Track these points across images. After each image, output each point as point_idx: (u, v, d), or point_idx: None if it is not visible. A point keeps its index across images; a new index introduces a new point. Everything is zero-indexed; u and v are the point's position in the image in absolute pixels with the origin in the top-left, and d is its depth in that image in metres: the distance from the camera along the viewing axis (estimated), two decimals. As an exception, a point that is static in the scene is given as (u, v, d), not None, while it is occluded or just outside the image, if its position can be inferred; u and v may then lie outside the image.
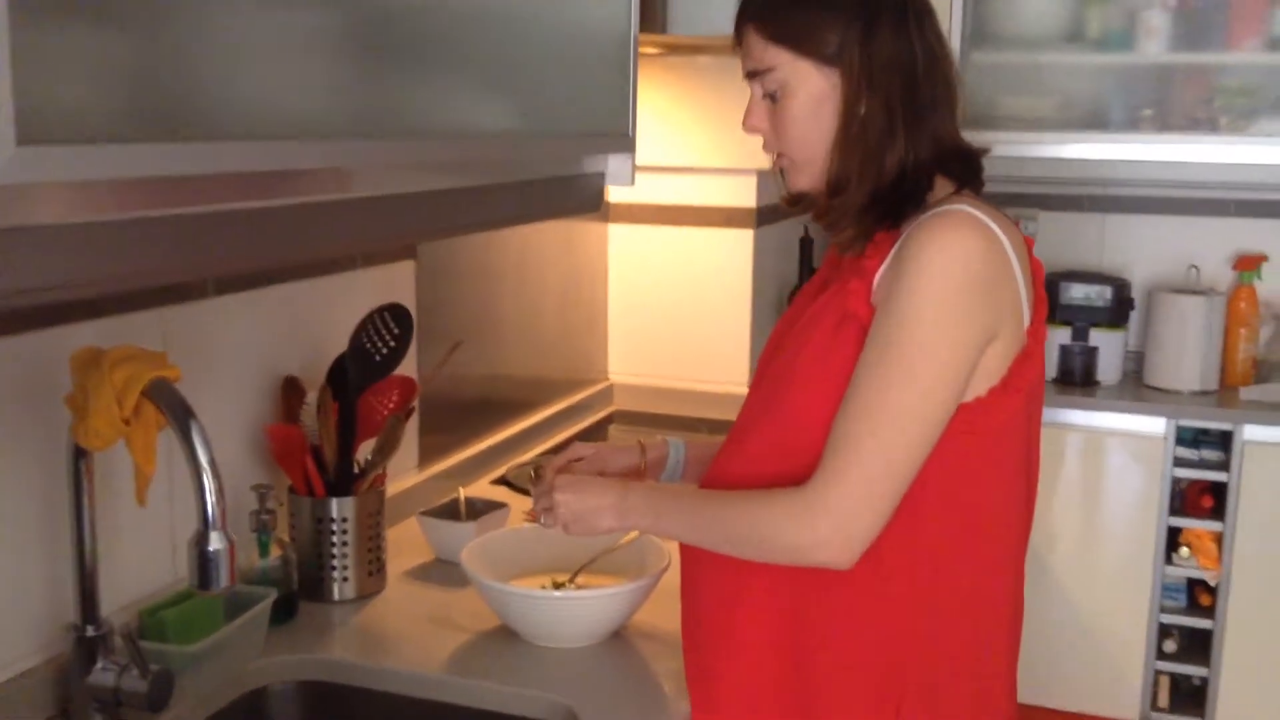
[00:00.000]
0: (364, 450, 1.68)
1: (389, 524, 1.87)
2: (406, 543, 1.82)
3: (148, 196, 1.03)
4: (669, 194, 2.62)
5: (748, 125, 1.33)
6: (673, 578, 1.45)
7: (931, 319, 1.19)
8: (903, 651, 1.27)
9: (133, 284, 1.36)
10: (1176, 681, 2.95)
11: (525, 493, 2.06)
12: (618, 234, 2.69)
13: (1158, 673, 2.92)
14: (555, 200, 1.76)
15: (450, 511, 1.82)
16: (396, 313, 1.61)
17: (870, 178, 1.25)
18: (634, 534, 1.59)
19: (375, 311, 1.61)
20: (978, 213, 1.22)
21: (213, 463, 1.13)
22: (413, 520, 1.84)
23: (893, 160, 1.24)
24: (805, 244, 2.80)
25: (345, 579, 1.63)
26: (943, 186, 1.28)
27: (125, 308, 1.41)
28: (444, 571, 1.74)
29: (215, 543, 1.13)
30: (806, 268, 2.78)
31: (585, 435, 2.51)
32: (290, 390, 1.66)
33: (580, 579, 1.59)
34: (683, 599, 1.41)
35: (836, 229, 1.31)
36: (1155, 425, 2.85)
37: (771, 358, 1.37)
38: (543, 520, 1.42)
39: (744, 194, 2.60)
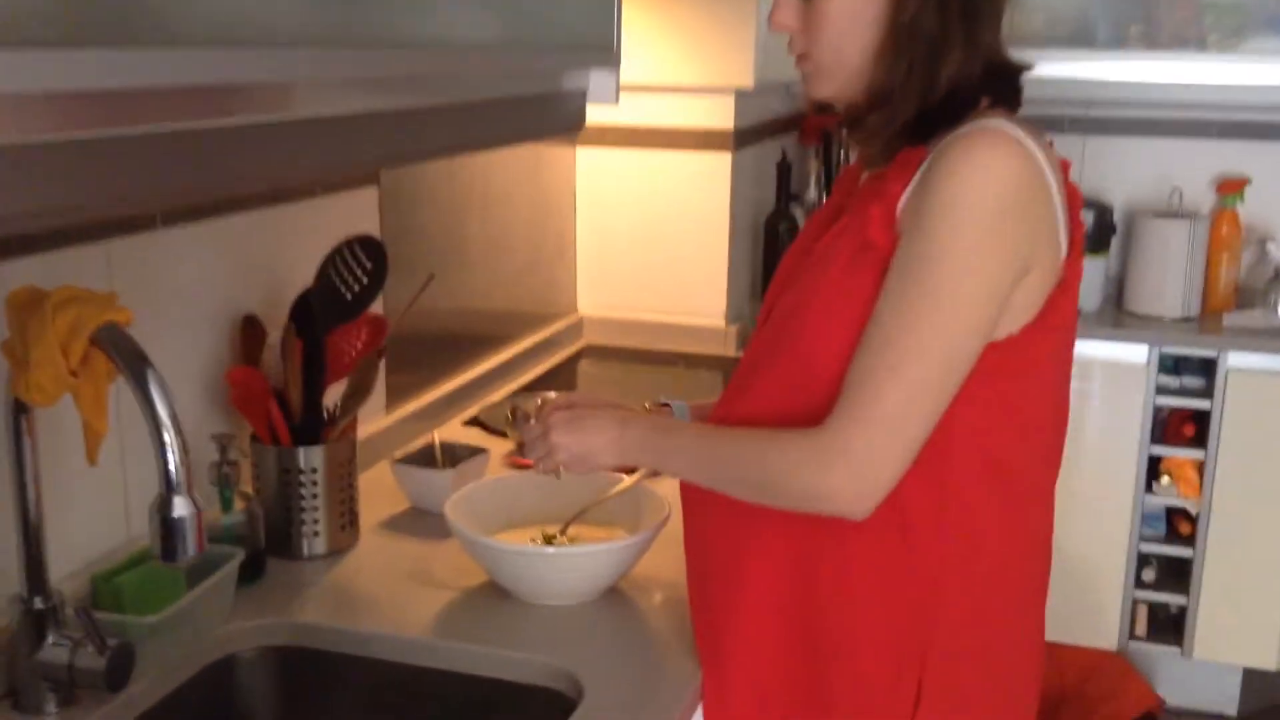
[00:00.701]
0: (333, 394, 1.54)
1: (359, 471, 1.75)
2: (379, 491, 1.70)
3: (87, 113, 0.90)
4: (641, 115, 2.47)
5: (775, 22, 1.20)
6: (674, 525, 1.34)
7: (962, 249, 1.08)
8: (925, 608, 1.18)
9: (73, 216, 1.22)
10: (1154, 610, 2.92)
11: (500, 434, 1.94)
12: (586, 158, 2.54)
13: (1135, 601, 2.89)
14: (532, 121, 1.63)
15: (425, 458, 1.70)
16: (368, 245, 1.47)
17: (917, 91, 1.13)
18: (627, 482, 1.48)
19: (344, 244, 1.47)
20: (1014, 131, 1.10)
21: (174, 418, 1.00)
22: (384, 466, 1.72)
23: (946, 72, 1.12)
24: (783, 168, 2.68)
25: (316, 534, 1.50)
26: (979, 104, 1.17)
27: (65, 242, 1.27)
28: (421, 522, 1.62)
29: (180, 508, 1.00)
30: (785, 193, 2.66)
31: (556, 372, 2.39)
32: (250, 330, 1.52)
33: (572, 530, 1.48)
34: (687, 551, 1.31)
35: (866, 145, 1.19)
36: (1137, 353, 2.79)
37: (781, 292, 1.26)
38: (540, 468, 1.30)
39: (721, 115, 2.46)
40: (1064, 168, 1.18)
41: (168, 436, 0.99)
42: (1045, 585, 1.26)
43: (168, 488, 0.99)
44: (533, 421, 1.31)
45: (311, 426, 1.50)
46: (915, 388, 1.08)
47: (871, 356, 1.10)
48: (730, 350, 2.53)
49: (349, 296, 1.47)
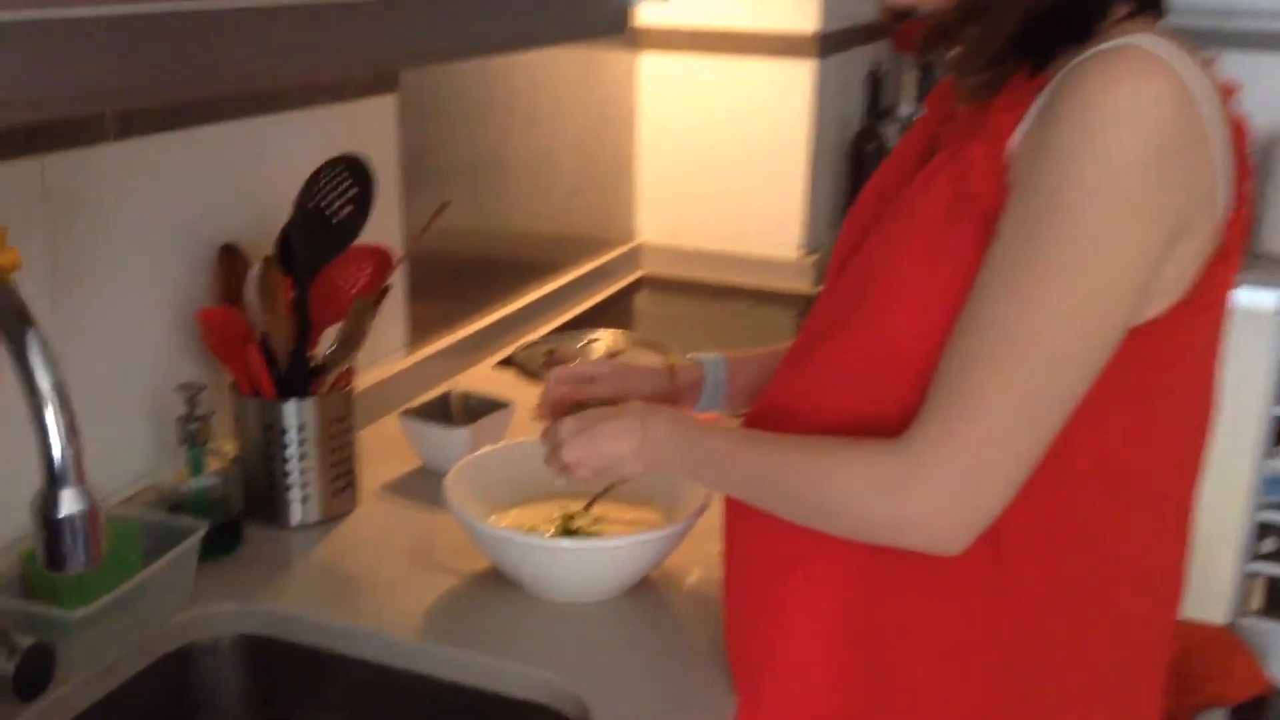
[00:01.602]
0: (329, 339, 1.33)
1: (370, 419, 1.55)
2: (391, 445, 1.49)
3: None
4: (712, 16, 2.19)
5: None
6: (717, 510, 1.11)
7: (1096, 209, 0.81)
8: (1020, 653, 0.94)
9: (17, 115, 1.01)
10: (1273, 584, 2.64)
11: (536, 378, 1.72)
12: (650, 65, 2.27)
13: (1250, 574, 2.61)
14: (568, 18, 1.37)
15: (440, 410, 1.49)
16: (353, 166, 1.24)
17: None
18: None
19: (325, 165, 1.24)
20: (1162, 50, 0.82)
21: (61, 391, 0.79)
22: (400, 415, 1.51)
23: None
24: (874, 80, 2.38)
25: (305, 499, 1.30)
26: (1111, 13, 0.89)
27: (-15, 157, 1.06)
28: (432, 484, 1.39)
29: (68, 505, 0.79)
30: (875, 109, 2.37)
31: (609, 307, 2.15)
32: (229, 263, 1.30)
33: (598, 508, 1.26)
34: (725, 552, 1.08)
35: (963, 67, 0.92)
36: (1266, 300, 2.46)
37: (854, 247, 1.00)
38: (559, 483, 1.09)
39: (804, 16, 2.17)
40: (1226, 94, 0.89)
41: (51, 415, 0.78)
42: (1173, 620, 1.01)
43: (51, 480, 0.79)
44: (542, 432, 1.10)
45: (299, 377, 1.29)
46: (1030, 392, 0.83)
47: (972, 347, 0.85)
48: (806, 285, 2.26)
49: (334, 222, 1.24)
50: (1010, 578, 0.92)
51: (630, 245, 2.32)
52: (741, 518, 1.03)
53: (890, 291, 0.91)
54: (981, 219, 0.86)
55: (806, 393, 0.97)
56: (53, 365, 0.78)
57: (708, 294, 2.24)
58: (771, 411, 1.00)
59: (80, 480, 0.79)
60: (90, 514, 0.80)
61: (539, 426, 1.14)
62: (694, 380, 1.20)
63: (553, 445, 1.08)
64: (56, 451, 0.78)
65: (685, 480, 1.22)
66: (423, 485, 1.42)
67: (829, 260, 1.05)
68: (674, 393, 1.18)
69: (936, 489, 0.85)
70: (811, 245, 2.31)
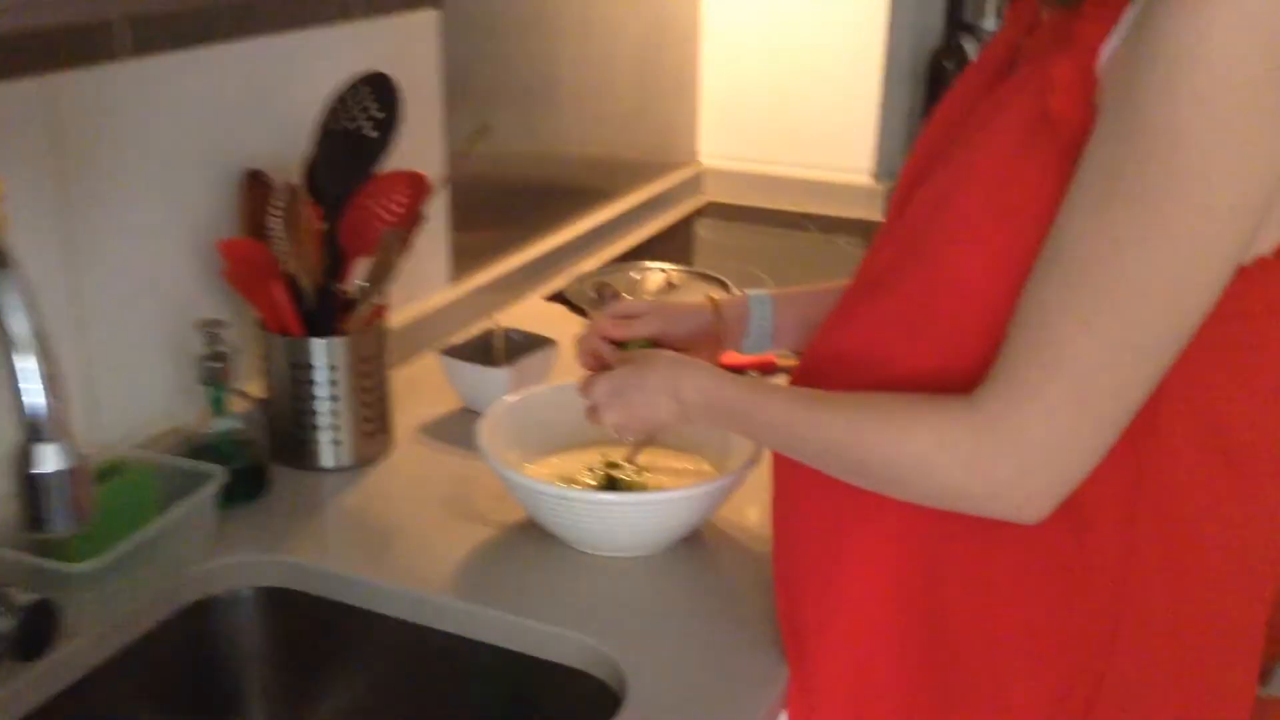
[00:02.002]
0: (362, 272, 1.25)
1: (409, 355, 1.48)
2: (430, 383, 1.41)
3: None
4: (781, -76, 2.05)
5: None
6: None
7: (1206, 128, 0.68)
8: (1096, 631, 0.84)
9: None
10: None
11: (584, 314, 1.63)
12: (714, -23, 2.14)
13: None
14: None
15: (482, 349, 1.40)
16: (378, 86, 1.14)
17: None
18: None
19: (350, 86, 1.15)
20: None
21: (42, 337, 0.71)
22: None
23: None
24: (954, -8, 2.22)
25: (337, 443, 1.23)
26: None
27: (-17, 76, 0.98)
28: (472, 426, 1.32)
29: (50, 460, 0.72)
30: (956, 22, 2.21)
31: (669, 236, 2.05)
32: (254, 190, 1.22)
33: (644, 455, 1.17)
34: (775, 513, 0.99)
35: None
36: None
37: (922, 174, 0.88)
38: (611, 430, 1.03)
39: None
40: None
41: (28, 362, 0.70)
42: (1272, 599, 0.90)
43: (31, 433, 0.71)
44: (580, 385, 1.04)
45: (328, 313, 1.21)
46: (1123, 346, 0.72)
47: (1054, 294, 0.74)
48: (878, 213, 2.14)
49: (359, 152, 1.15)
50: (1089, 548, 0.82)
51: (691, 170, 2.21)
52: (791, 472, 0.93)
53: (959, 228, 0.81)
54: (1067, 147, 0.75)
55: (865, 343, 0.87)
56: (34, 310, 0.71)
57: (773, 222, 2.12)
58: (825, 363, 0.90)
59: (64, 435, 0.72)
60: (75, 473, 0.73)
61: (582, 369, 1.06)
62: (739, 317, 1.11)
63: (590, 405, 1.00)
64: (36, 402, 0.71)
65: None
66: (462, 427, 1.34)
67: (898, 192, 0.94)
68: (718, 331, 1.09)
69: (1017, 455, 0.76)
70: (885, 171, 2.18)
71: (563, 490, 1.06)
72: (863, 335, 0.87)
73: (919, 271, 0.83)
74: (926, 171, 0.87)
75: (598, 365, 1.09)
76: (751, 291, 1.11)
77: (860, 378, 0.86)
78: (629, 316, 1.08)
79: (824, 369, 0.90)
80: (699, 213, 2.16)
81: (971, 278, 0.79)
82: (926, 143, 0.93)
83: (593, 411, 1.01)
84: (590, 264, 1.84)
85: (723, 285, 1.73)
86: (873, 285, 0.87)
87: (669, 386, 0.95)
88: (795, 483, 0.94)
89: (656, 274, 1.77)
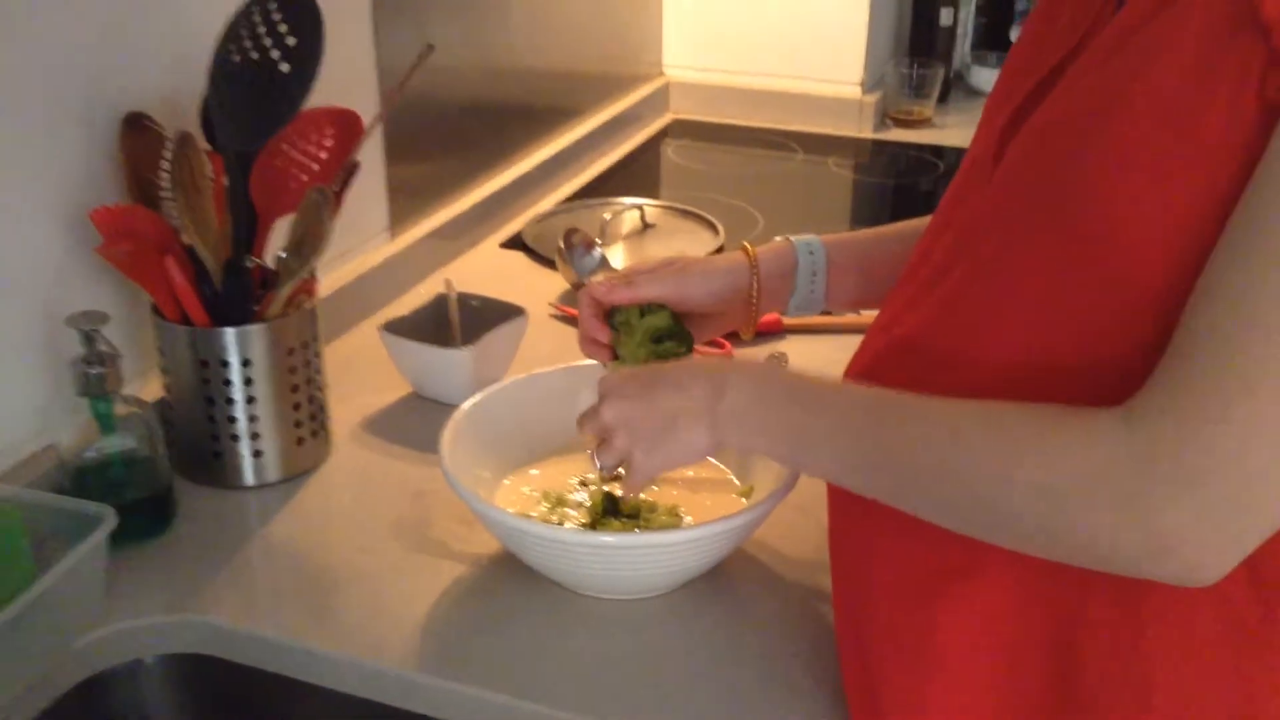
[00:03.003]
0: (281, 239, 0.99)
1: (344, 327, 1.23)
2: (372, 361, 1.17)
3: None
4: None
5: None
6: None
7: None
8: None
9: None
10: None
11: (550, 265, 1.39)
12: None
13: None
14: None
15: (433, 321, 1.16)
16: (290, 3, 0.87)
17: None
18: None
19: (252, 3, 0.88)
20: None
21: None
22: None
23: None
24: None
25: (258, 454, 0.99)
26: None
27: None
28: (428, 417, 1.09)
29: None
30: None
31: (632, 162, 1.79)
32: (137, 141, 0.96)
33: (645, 465, 0.94)
34: (833, 550, 0.77)
35: None
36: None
37: (1016, 118, 0.68)
38: (599, 468, 0.78)
39: None
40: None
41: None
42: None
43: None
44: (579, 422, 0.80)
45: (240, 294, 0.96)
46: None
47: (1248, 292, 0.54)
48: (866, 130, 1.90)
49: (264, 81, 0.89)
50: (1272, 607, 0.62)
51: (657, 83, 1.95)
52: (847, 495, 0.71)
53: (1102, 177, 0.59)
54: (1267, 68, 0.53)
55: (970, 332, 0.65)
56: None
57: (752, 142, 1.88)
58: (912, 354, 0.68)
59: None
60: None
61: (557, 338, 0.83)
62: (781, 271, 0.87)
63: (592, 415, 0.77)
64: None
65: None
66: (414, 419, 1.10)
67: (983, 144, 0.71)
68: (755, 289, 0.86)
69: (1197, 495, 0.54)
70: (873, 81, 1.93)
71: (553, 533, 0.82)
72: (954, 316, 0.66)
73: (1041, 232, 0.62)
74: (1026, 110, 0.66)
75: (595, 348, 0.86)
76: (797, 238, 0.88)
77: (964, 381, 0.65)
78: (635, 275, 0.84)
79: (909, 365, 0.69)
80: (666, 133, 1.91)
81: (1125, 240, 0.58)
82: (1017, 72, 0.71)
83: (602, 440, 0.78)
84: (549, 202, 1.59)
85: (709, 224, 1.49)
86: (963, 247, 0.66)
87: (704, 379, 0.72)
88: (862, 512, 0.72)
89: (630, 212, 1.52)
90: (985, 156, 0.70)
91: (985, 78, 2.09)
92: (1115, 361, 0.60)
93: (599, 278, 0.87)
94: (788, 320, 1.23)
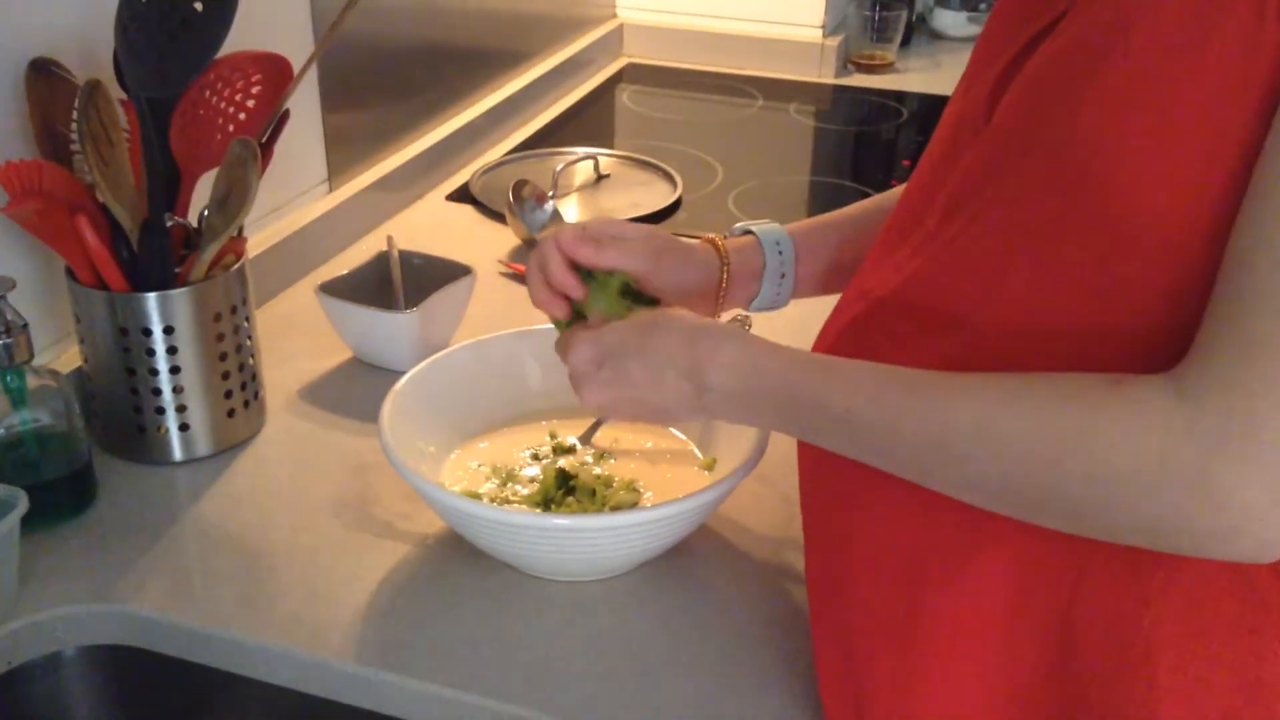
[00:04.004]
0: (205, 195, 0.92)
1: (280, 287, 1.17)
2: (310, 324, 1.10)
3: None
4: None
5: None
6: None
7: None
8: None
9: None
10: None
11: (498, 219, 1.32)
12: None
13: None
14: None
15: (374, 282, 1.09)
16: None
17: None
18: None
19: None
20: None
21: None
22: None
23: None
24: None
25: (184, 426, 0.92)
26: None
27: None
28: (368, 385, 1.03)
29: None
30: None
31: (583, 110, 1.72)
32: (44, 90, 0.88)
33: (606, 435, 0.89)
34: (808, 529, 0.72)
35: None
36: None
37: (1009, 66, 0.62)
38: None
39: None
40: None
41: None
42: None
43: None
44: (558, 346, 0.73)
45: (160, 256, 0.88)
46: None
47: (1277, 257, 0.49)
48: (828, 75, 1.84)
49: (187, 29, 0.81)
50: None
51: (609, 26, 1.87)
52: (835, 470, 0.66)
53: (1107, 134, 0.54)
54: None
55: (966, 293, 0.61)
56: None
57: (709, 87, 1.81)
58: (899, 318, 0.63)
59: None
60: None
61: (507, 297, 0.76)
62: (746, 264, 0.81)
63: (570, 374, 0.71)
64: None
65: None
66: (354, 386, 1.04)
67: (971, 92, 0.66)
68: (724, 287, 0.80)
69: (1268, 474, 0.50)
70: (834, 23, 1.87)
71: (503, 516, 0.76)
72: (947, 277, 0.61)
73: (1039, 184, 0.57)
74: (1018, 59, 0.61)
75: (554, 301, 0.78)
76: (759, 226, 0.82)
77: (943, 338, 0.60)
78: (607, 238, 0.76)
79: (881, 321, 0.63)
80: (620, 78, 1.83)
81: (1128, 188, 0.54)
82: (1009, 13, 0.65)
83: (573, 383, 0.71)
84: (497, 152, 1.52)
85: (667, 175, 1.43)
86: (959, 206, 0.60)
87: (685, 360, 0.66)
88: (843, 485, 0.67)
89: (584, 163, 1.45)
90: (974, 112, 0.64)
91: (949, 21, 2.03)
92: (1125, 319, 0.55)
93: (550, 232, 0.81)
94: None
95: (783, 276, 0.81)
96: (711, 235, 0.81)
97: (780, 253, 0.80)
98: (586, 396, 0.70)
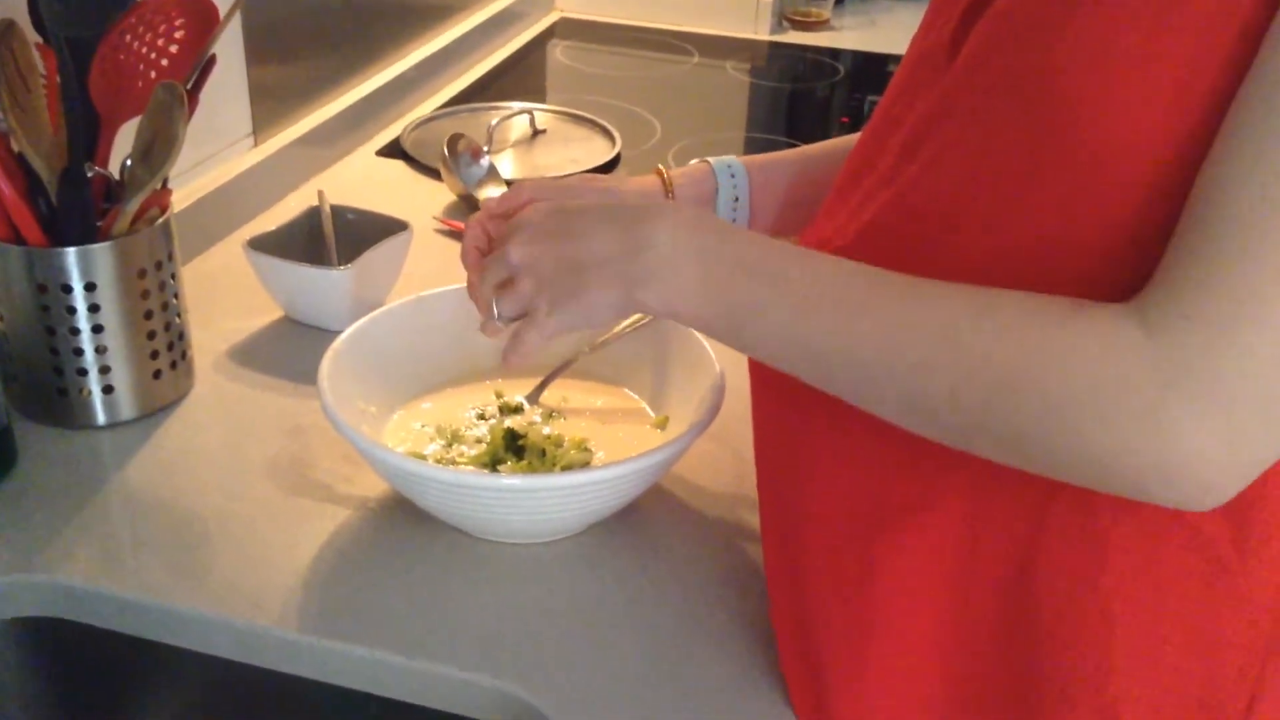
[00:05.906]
0: (127, 144, 0.87)
1: (207, 244, 1.12)
2: (239, 281, 1.06)
3: None
4: None
5: None
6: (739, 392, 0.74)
7: None
8: (1246, 656, 0.60)
9: None
10: None
11: (432, 174, 1.28)
12: None
13: None
14: None
15: (305, 237, 1.05)
16: None
17: None
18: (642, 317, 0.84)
19: None
20: None
21: None
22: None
23: None
24: None
25: (108, 389, 0.88)
26: None
27: None
28: (301, 344, 0.99)
29: None
30: None
31: (514, 66, 1.68)
32: (-53, 29, 0.82)
33: (556, 394, 0.87)
34: (762, 484, 0.70)
35: None
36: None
37: (976, 4, 0.60)
38: (496, 317, 0.67)
39: None
40: None
41: None
42: None
43: None
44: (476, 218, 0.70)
45: (80, 210, 0.84)
46: None
47: (1251, 191, 0.47)
48: (763, 32, 1.82)
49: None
50: (1245, 552, 0.58)
51: (541, -20, 1.83)
52: (776, 404, 0.64)
53: (1083, 78, 0.52)
54: None
55: (928, 236, 0.59)
56: None
57: (644, 44, 1.78)
58: (863, 244, 0.61)
59: None
60: None
61: (444, 254, 0.73)
62: (699, 196, 0.79)
63: (511, 223, 0.66)
64: None
65: (684, 343, 0.83)
66: (285, 345, 1.00)
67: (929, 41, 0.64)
68: None
69: (1223, 417, 0.49)
70: (768, -21, 1.85)
71: (451, 476, 0.73)
72: (908, 219, 0.59)
73: (1008, 124, 0.55)
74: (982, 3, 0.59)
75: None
76: (716, 160, 0.79)
77: (913, 258, 0.58)
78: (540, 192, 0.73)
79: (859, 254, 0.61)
80: (553, 32, 1.79)
81: (1103, 130, 0.52)
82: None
83: (499, 262, 0.66)
84: (429, 106, 1.47)
85: (605, 131, 1.40)
86: (919, 145, 0.59)
87: (633, 214, 0.61)
88: (797, 441, 0.65)
89: (519, 117, 1.42)
90: (937, 50, 0.62)
91: (881, -21, 2.02)
92: (1084, 265, 0.54)
93: (488, 192, 0.78)
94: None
95: (736, 200, 0.78)
96: (659, 166, 0.79)
97: (733, 176, 0.78)
98: (513, 249, 0.64)
